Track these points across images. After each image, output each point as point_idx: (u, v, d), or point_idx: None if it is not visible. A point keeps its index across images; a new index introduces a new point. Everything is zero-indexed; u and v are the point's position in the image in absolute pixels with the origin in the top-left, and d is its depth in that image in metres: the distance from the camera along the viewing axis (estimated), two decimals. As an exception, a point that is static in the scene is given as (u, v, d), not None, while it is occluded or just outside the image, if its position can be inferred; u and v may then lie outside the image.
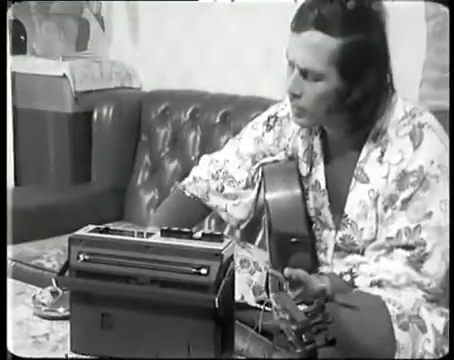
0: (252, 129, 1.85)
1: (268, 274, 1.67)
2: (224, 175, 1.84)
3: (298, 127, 1.74)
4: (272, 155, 1.81)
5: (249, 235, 2.34)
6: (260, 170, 1.81)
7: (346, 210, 1.67)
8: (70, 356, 1.38)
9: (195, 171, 1.89)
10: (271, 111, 1.83)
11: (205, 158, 1.90)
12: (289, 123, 1.79)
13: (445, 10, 2.10)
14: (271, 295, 1.42)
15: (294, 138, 1.78)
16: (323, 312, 1.25)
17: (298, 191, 1.69)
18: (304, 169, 1.74)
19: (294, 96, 1.60)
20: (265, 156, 1.82)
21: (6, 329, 1.38)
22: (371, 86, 1.58)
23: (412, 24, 2.16)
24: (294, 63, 1.57)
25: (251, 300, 1.70)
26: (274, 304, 1.34)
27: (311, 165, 1.73)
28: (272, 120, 1.82)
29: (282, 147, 1.80)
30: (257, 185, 1.82)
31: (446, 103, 2.11)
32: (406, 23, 2.06)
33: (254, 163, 1.82)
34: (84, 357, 1.38)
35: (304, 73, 1.56)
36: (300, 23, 1.55)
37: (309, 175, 1.73)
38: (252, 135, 1.84)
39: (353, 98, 1.58)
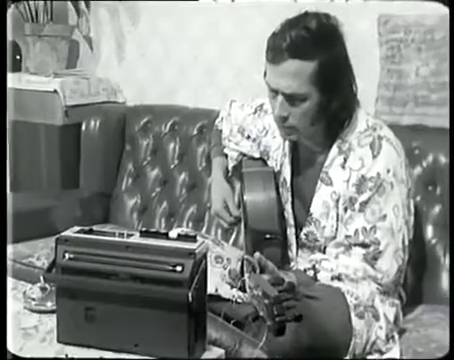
0: (248, 106, 1.90)
1: (243, 260, 1.68)
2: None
3: (271, 126, 1.74)
4: (241, 129, 1.88)
5: (224, 235, 2.34)
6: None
7: (311, 209, 1.67)
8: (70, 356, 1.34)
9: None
10: (263, 101, 1.84)
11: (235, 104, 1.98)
12: (263, 117, 1.81)
13: (396, 36, 2.11)
14: (246, 275, 1.42)
15: (267, 137, 1.79)
16: (293, 291, 1.25)
17: (273, 194, 1.70)
18: (274, 166, 1.76)
19: (283, 119, 1.59)
20: (240, 129, 1.88)
21: (6, 330, 1.35)
22: (345, 94, 1.59)
23: (367, 49, 2.17)
24: (278, 90, 1.57)
25: (224, 292, 1.69)
26: (248, 282, 1.33)
27: (281, 164, 1.73)
28: (259, 108, 1.85)
29: (252, 138, 1.84)
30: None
31: (398, 118, 2.12)
32: (362, 48, 2.06)
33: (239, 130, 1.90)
34: (84, 356, 1.35)
35: (289, 98, 1.56)
36: (276, 55, 1.54)
37: (279, 172, 1.74)
38: (246, 111, 1.89)
39: (332, 108, 1.58)
